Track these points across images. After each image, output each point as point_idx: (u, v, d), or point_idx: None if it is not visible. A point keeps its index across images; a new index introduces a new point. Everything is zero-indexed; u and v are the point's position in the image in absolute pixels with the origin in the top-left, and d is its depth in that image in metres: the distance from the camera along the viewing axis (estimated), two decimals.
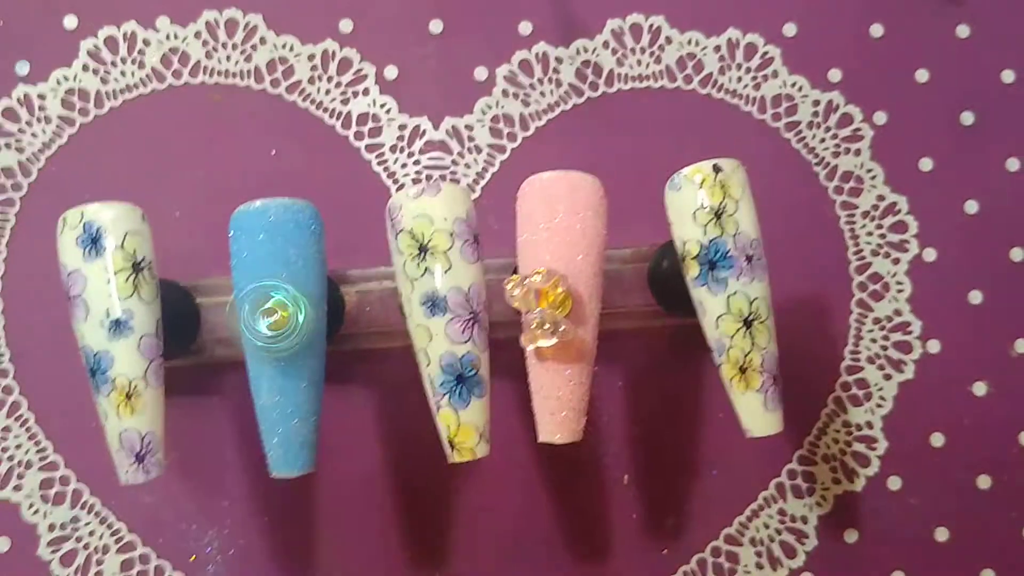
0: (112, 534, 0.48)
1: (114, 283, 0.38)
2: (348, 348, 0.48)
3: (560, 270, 0.38)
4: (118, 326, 0.38)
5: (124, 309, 0.38)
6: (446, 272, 0.38)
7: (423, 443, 0.48)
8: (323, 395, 0.40)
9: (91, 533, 0.48)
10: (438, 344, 0.38)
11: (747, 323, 0.39)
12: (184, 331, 0.45)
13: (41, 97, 0.49)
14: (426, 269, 0.38)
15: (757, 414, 0.39)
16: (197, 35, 0.50)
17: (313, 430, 0.39)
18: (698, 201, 0.39)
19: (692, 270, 0.39)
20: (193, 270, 0.47)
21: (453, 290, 0.38)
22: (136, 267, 0.38)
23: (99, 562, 0.48)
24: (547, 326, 0.38)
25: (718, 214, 0.39)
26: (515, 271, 0.44)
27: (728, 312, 0.39)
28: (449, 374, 0.38)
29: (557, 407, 0.39)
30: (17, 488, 0.47)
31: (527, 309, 0.38)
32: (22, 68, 0.49)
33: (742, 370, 0.39)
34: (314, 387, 0.39)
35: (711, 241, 0.39)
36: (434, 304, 0.38)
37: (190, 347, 0.46)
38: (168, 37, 0.50)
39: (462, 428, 0.38)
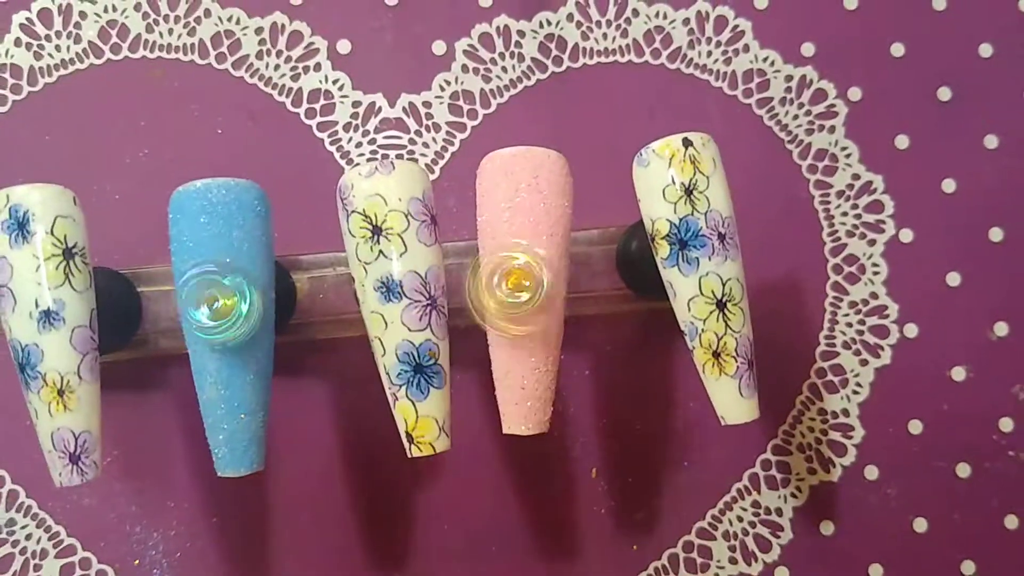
0: (50, 538, 0.45)
1: (43, 271, 0.35)
2: (301, 338, 0.45)
3: (522, 252, 0.36)
4: (48, 317, 0.35)
5: (54, 299, 0.35)
6: (401, 255, 0.36)
7: (381, 437, 0.46)
8: (273, 388, 0.37)
9: (28, 537, 0.45)
10: (394, 332, 0.36)
11: (720, 305, 0.37)
12: (125, 322, 0.42)
13: None
14: (380, 252, 0.36)
15: (732, 401, 0.37)
16: (137, 7, 0.47)
17: (261, 425, 0.37)
18: (668, 177, 0.37)
19: (662, 250, 0.37)
20: (135, 257, 0.45)
21: (409, 274, 0.36)
22: (67, 253, 0.36)
23: (37, 567, 0.45)
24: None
25: (689, 191, 0.37)
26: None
27: (700, 294, 0.37)
28: (406, 364, 0.36)
29: (522, 397, 0.37)
30: None
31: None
32: None
33: (716, 355, 0.37)
34: (262, 380, 0.37)
35: (682, 219, 0.37)
36: (389, 289, 0.36)
37: (131, 339, 0.43)
38: (106, 9, 0.47)
39: (421, 421, 0.36)
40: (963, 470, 0.48)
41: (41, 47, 0.46)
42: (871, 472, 0.48)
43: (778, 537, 0.47)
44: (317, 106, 0.47)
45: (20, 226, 0.35)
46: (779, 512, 0.47)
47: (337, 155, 0.47)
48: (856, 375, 0.48)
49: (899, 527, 0.48)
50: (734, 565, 0.47)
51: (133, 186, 0.46)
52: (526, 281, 0.36)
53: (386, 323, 0.36)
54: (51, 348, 0.35)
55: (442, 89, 0.48)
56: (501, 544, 0.46)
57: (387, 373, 0.36)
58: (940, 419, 0.48)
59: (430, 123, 0.48)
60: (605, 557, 0.47)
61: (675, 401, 0.47)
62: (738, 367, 0.37)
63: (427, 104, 0.48)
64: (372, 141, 0.47)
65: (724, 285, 0.37)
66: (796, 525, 0.47)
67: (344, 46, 0.48)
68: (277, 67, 0.47)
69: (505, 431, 0.37)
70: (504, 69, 0.48)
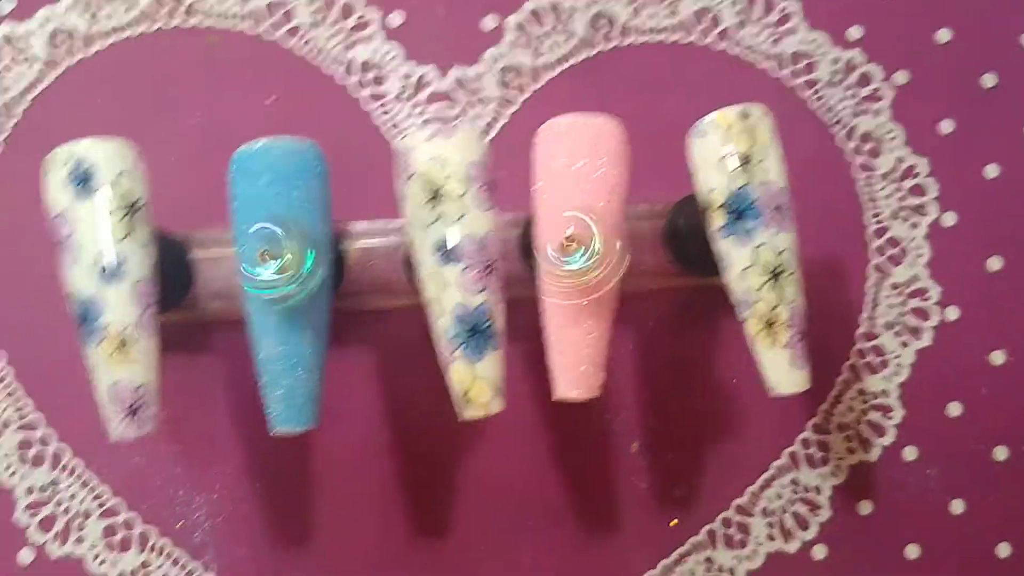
0: (94, 498, 0.45)
1: (106, 224, 0.36)
2: (348, 306, 0.45)
3: (580, 220, 0.36)
4: (110, 271, 0.35)
5: (117, 252, 0.36)
6: (460, 219, 0.36)
7: (425, 407, 0.47)
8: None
9: (72, 497, 0.45)
10: (451, 294, 0.36)
11: (775, 275, 0.37)
12: (176, 284, 0.43)
13: (26, 36, 0.46)
14: (439, 215, 0.36)
15: (783, 371, 0.37)
16: None
17: (318, 384, 0.37)
18: (724, 148, 0.37)
19: (717, 220, 0.38)
20: (185, 221, 0.45)
21: (467, 238, 0.36)
22: (130, 208, 0.36)
23: (80, 527, 0.45)
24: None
25: (745, 162, 0.37)
26: (528, 222, 0.42)
27: (755, 264, 0.37)
28: (463, 326, 0.36)
29: (575, 362, 0.37)
30: None
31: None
32: (6, 5, 0.47)
33: (769, 324, 0.37)
34: (320, 338, 0.37)
35: (738, 190, 0.37)
36: (447, 252, 0.36)
37: (183, 301, 0.43)
38: None
39: (476, 382, 0.36)
40: (1001, 453, 0.48)
41: (96, 12, 0.47)
42: (910, 453, 0.48)
43: (816, 515, 0.48)
44: (368, 77, 0.48)
45: (84, 180, 0.36)
46: (818, 490, 0.48)
47: (387, 126, 0.48)
48: (897, 356, 0.48)
49: (936, 508, 0.48)
50: (772, 542, 0.47)
51: (185, 151, 0.47)
52: (584, 249, 0.36)
53: (444, 285, 0.36)
54: (112, 301, 0.36)
55: (492, 63, 0.48)
56: (541, 514, 0.47)
57: (443, 335, 0.37)
58: (979, 402, 0.48)
59: (480, 96, 0.48)
60: (644, 531, 0.47)
61: (717, 378, 0.48)
62: (791, 337, 0.37)
63: (477, 78, 0.48)
64: (422, 113, 0.48)
65: (778, 256, 0.37)
66: (834, 504, 0.48)
67: (397, 18, 0.48)
68: (330, 38, 0.48)
69: (557, 396, 0.38)
70: (554, 45, 0.48)
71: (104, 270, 0.35)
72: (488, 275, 0.36)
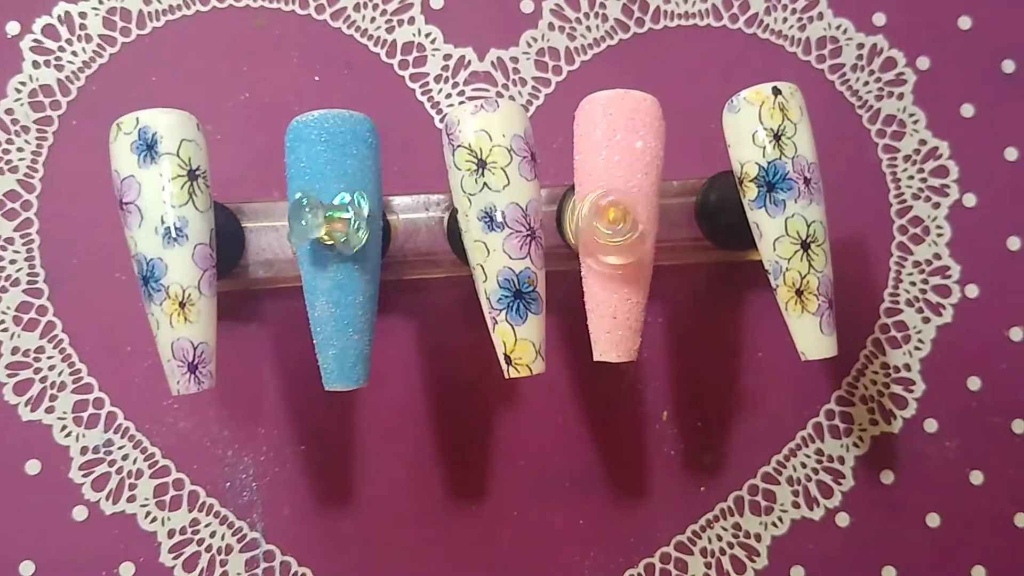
0: (146, 459, 0.47)
1: (169, 190, 0.37)
2: (391, 277, 0.47)
3: (619, 188, 0.38)
4: (172, 233, 0.37)
5: (178, 216, 0.37)
6: (504, 188, 0.38)
7: (463, 373, 0.48)
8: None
9: (124, 457, 0.47)
10: (496, 259, 0.38)
11: (804, 246, 0.39)
12: (228, 252, 0.44)
13: (82, 15, 0.48)
14: (484, 184, 0.38)
15: (813, 337, 0.39)
16: None
17: (368, 344, 0.39)
18: (757, 123, 0.39)
19: (750, 192, 0.39)
20: (233, 194, 0.47)
21: (511, 206, 0.38)
22: (191, 175, 0.38)
23: (132, 486, 0.47)
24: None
25: (777, 136, 0.39)
26: (563, 198, 0.44)
27: (786, 234, 0.39)
28: (506, 289, 0.38)
29: (613, 326, 0.39)
30: (49, 410, 0.47)
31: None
32: None
33: (799, 292, 0.39)
34: (369, 301, 0.39)
35: (770, 163, 0.39)
36: (492, 219, 0.38)
37: (232, 270, 0.45)
38: None
39: (519, 344, 0.38)
40: (1018, 426, 0.50)
41: None
42: (930, 425, 0.49)
43: (840, 484, 0.49)
44: (410, 58, 0.49)
45: (149, 147, 0.38)
46: (841, 460, 0.49)
47: (427, 105, 0.49)
48: (918, 332, 0.50)
49: (956, 479, 0.49)
50: (797, 509, 0.49)
51: (233, 127, 0.48)
52: (624, 214, 0.38)
53: (488, 251, 0.38)
54: (174, 263, 0.37)
55: (529, 45, 0.50)
56: (574, 481, 0.48)
57: (487, 298, 0.38)
58: (998, 377, 0.50)
59: (517, 77, 0.50)
60: (674, 497, 0.49)
61: (744, 350, 0.49)
62: (819, 305, 0.39)
63: (514, 59, 0.50)
64: (461, 93, 0.49)
65: (809, 227, 0.39)
66: (857, 473, 0.49)
67: (437, 1, 0.50)
68: (373, 19, 0.49)
69: (596, 359, 0.39)
70: (589, 28, 0.50)
71: (167, 233, 0.37)
72: (531, 242, 0.38)
